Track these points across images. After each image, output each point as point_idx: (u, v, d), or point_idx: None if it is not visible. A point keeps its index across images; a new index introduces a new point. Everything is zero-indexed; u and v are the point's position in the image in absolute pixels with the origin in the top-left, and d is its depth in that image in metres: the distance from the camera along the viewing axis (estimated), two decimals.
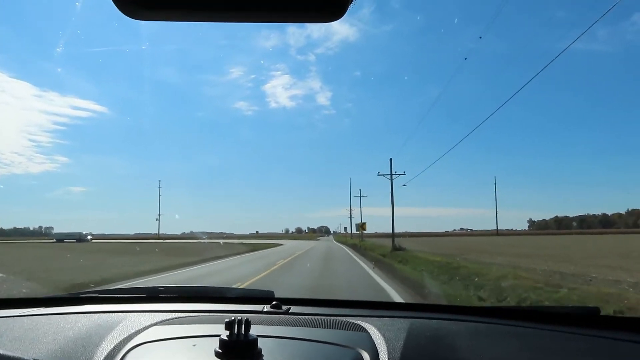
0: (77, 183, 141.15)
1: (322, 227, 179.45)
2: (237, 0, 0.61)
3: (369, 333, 1.34)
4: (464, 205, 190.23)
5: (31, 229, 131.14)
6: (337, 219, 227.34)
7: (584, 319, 1.50)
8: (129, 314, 1.55)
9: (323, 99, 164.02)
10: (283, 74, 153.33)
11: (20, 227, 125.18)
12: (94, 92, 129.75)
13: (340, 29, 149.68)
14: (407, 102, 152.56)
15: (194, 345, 1.20)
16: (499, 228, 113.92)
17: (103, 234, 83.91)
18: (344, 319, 1.49)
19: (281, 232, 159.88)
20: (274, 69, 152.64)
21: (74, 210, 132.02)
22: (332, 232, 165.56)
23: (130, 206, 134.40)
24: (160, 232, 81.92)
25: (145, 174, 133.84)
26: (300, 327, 1.39)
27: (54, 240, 63.37)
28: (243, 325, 1.09)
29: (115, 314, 1.57)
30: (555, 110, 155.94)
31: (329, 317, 1.50)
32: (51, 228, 67.60)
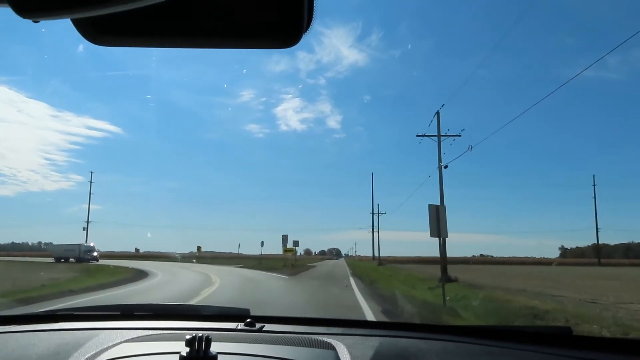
0: (91, 201, 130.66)
1: (333, 249, 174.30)
2: (195, 27, 0.62)
3: (336, 351, 1.37)
4: (482, 231, 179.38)
5: (30, 244, 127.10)
6: (349, 242, 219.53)
7: (556, 338, 1.51)
8: (101, 331, 1.58)
9: (333, 122, 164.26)
10: (294, 97, 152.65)
11: (18, 242, 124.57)
12: (108, 112, 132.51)
13: (349, 54, 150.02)
14: (418, 124, 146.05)
15: None
16: (525, 256, 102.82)
17: (112, 252, 78.77)
18: (316, 337, 1.52)
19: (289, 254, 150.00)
20: (284, 92, 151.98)
21: (114, 228, 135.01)
22: (343, 254, 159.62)
23: (139, 223, 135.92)
24: (153, 250, 73.02)
25: (157, 192, 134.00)
26: (269, 345, 1.41)
27: (53, 259, 50.56)
28: (204, 342, 1.11)
29: (88, 331, 1.59)
30: (589, 128, 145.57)
31: (301, 335, 1.54)
32: (50, 243, 58.34)
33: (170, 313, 1.89)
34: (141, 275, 23.09)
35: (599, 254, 68.41)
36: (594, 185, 66.01)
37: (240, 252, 55.63)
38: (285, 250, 43.63)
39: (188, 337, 1.11)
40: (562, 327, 1.58)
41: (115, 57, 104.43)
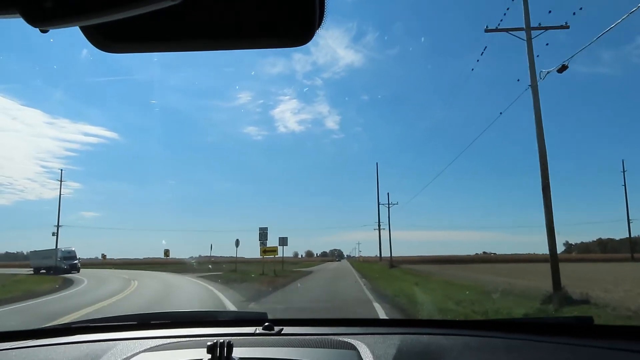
0: (89, 208, 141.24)
1: (335, 250, 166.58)
2: (204, 29, 0.62)
3: (358, 351, 1.35)
4: (483, 228, 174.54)
5: (25, 253, 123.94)
6: (352, 243, 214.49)
7: (577, 329, 1.51)
8: (118, 342, 1.56)
9: (332, 123, 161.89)
10: (291, 99, 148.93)
11: (12, 251, 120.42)
12: (104, 118, 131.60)
13: (345, 55, 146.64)
14: (416, 123, 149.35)
15: None
16: (526, 252, 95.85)
17: (113, 258, 74.29)
18: (337, 337, 1.50)
19: (290, 256, 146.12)
20: (281, 94, 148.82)
21: (86, 235, 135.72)
22: (345, 255, 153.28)
23: (139, 230, 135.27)
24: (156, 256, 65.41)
25: (154, 198, 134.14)
26: (290, 348, 1.39)
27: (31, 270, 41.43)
28: (225, 348, 1.11)
29: (105, 342, 1.57)
30: (591, 122, 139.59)
31: (321, 337, 1.53)
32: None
33: (187, 320, 1.91)
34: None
35: (632, 248, 61.11)
36: (624, 172, 58.64)
37: (213, 254, 45.06)
38: (265, 250, 30.08)
39: (209, 343, 1.10)
40: (583, 317, 1.56)
41: (110, 62, 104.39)
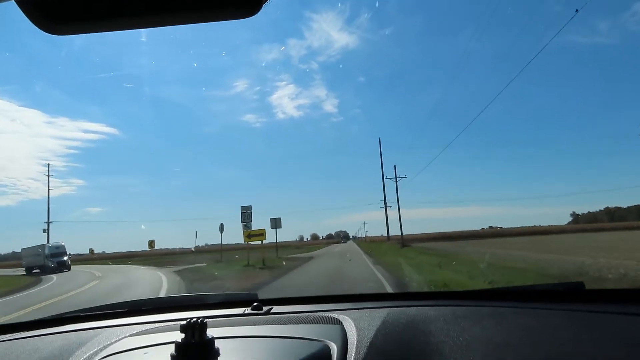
0: (94, 204, 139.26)
1: (341, 231, 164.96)
2: (151, 5, 0.62)
3: (342, 325, 1.34)
4: (487, 203, 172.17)
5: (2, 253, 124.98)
6: (358, 224, 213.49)
7: (569, 295, 1.49)
8: (106, 329, 1.57)
9: (330, 106, 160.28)
10: (288, 84, 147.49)
11: (18, 250, 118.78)
12: (103, 114, 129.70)
13: (339, 37, 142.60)
14: (415, 101, 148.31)
15: (145, 353, 1.20)
16: (532, 225, 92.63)
17: (119, 252, 71.52)
18: (323, 314, 1.50)
19: (296, 239, 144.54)
20: (278, 80, 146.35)
21: (90, 230, 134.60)
22: (351, 236, 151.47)
23: (141, 223, 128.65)
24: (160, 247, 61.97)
25: (157, 191, 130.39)
26: (276, 325, 1.39)
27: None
28: (198, 328, 1.09)
29: (93, 330, 1.58)
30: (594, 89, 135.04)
31: (308, 314, 1.52)
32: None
33: (178, 305, 1.91)
34: None
35: None
36: None
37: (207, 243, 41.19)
38: (249, 234, 23.69)
39: (182, 323, 1.09)
40: (574, 283, 1.52)
41: (104, 58, 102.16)
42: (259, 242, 25.02)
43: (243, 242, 25.08)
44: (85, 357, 1.26)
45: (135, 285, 16.60)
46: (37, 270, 34.34)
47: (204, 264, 25.44)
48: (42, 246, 36.07)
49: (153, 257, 39.91)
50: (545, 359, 1.03)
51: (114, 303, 1.92)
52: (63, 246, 36.05)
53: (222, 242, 27.57)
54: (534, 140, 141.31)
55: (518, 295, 1.56)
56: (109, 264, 39.77)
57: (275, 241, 29.29)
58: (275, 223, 26.68)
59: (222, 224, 26.08)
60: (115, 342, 1.35)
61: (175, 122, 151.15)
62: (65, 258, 34.90)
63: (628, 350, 1.05)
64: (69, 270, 32.67)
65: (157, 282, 16.58)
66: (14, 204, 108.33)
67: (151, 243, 30.84)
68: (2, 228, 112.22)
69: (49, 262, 33.71)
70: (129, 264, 35.17)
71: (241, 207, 24.70)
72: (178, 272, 20.49)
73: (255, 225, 24.35)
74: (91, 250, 48.60)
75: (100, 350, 1.29)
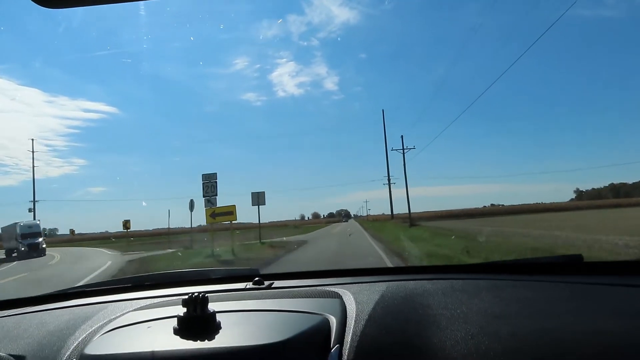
0: (96, 183, 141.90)
1: (342, 210, 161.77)
2: None
3: (342, 299, 1.36)
4: (488, 180, 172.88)
5: None
6: (359, 203, 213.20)
7: (568, 267, 1.50)
8: (110, 303, 1.59)
9: (331, 84, 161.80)
10: (288, 62, 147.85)
11: None
12: (103, 93, 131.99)
13: (340, 13, 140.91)
14: (417, 78, 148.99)
15: (149, 327, 1.21)
16: (533, 203, 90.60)
17: (120, 231, 66.71)
18: (324, 288, 1.52)
19: (297, 218, 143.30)
20: (278, 57, 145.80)
21: (94, 210, 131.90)
22: (352, 215, 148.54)
23: (146, 202, 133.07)
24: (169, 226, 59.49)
25: (159, 169, 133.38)
26: (277, 299, 1.40)
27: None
28: (199, 302, 1.11)
29: (98, 305, 1.60)
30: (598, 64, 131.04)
31: (308, 288, 1.54)
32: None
33: (181, 280, 1.93)
34: None
35: None
36: None
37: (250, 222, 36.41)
38: (213, 213, 18.19)
39: (184, 297, 1.12)
40: (572, 255, 1.54)
41: (104, 36, 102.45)
42: (229, 222, 19.36)
43: (252, 220, 21.71)
44: (90, 330, 1.30)
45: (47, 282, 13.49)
46: (15, 254, 29.43)
47: (170, 251, 21.44)
48: (15, 225, 30.78)
49: (129, 239, 34.47)
50: (542, 330, 1.04)
51: (118, 279, 2.08)
52: (37, 225, 30.98)
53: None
54: (537, 115, 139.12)
55: (516, 269, 1.58)
56: (84, 246, 36.53)
57: (258, 222, 24.11)
58: (258, 198, 21.54)
59: (192, 201, 20.26)
60: (119, 316, 1.38)
61: (175, 100, 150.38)
62: (40, 240, 29.52)
63: (626, 321, 1.06)
64: (44, 255, 27.69)
65: (81, 279, 13.18)
66: (16, 183, 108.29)
67: (126, 223, 26.53)
68: (5, 208, 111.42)
69: (19, 244, 28.92)
70: (97, 247, 32.24)
71: (202, 175, 18.45)
72: (129, 263, 17.05)
73: (245, 200, 20.64)
74: (72, 231, 45.41)
75: (106, 324, 1.32)
